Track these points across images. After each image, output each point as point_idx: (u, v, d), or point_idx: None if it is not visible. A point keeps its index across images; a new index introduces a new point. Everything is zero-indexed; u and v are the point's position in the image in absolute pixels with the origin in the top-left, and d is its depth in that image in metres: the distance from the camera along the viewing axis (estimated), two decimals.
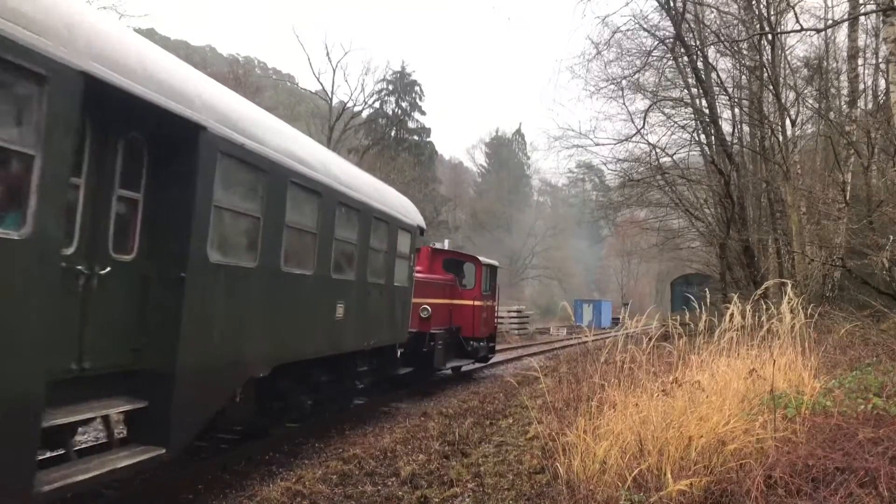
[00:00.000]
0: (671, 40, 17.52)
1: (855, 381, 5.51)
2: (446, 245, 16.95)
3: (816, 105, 16.99)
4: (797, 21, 13.47)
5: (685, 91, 19.88)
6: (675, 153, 21.46)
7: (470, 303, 15.06)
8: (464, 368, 15.99)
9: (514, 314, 34.39)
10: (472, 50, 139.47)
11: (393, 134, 52.13)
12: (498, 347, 25.07)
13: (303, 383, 7.97)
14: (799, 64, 18.21)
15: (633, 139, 20.86)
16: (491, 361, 18.17)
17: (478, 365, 16.89)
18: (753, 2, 16.17)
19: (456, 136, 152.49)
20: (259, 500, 5.81)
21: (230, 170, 5.67)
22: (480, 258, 15.93)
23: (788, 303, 6.84)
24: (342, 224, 8.21)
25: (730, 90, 19.79)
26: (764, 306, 7.06)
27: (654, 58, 18.46)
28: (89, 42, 4.19)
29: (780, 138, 15.82)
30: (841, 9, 18.00)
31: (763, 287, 7.71)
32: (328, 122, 41.39)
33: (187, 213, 5.14)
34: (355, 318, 8.71)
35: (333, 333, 8.15)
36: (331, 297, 7.99)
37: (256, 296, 6.21)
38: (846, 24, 15.53)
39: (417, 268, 13.70)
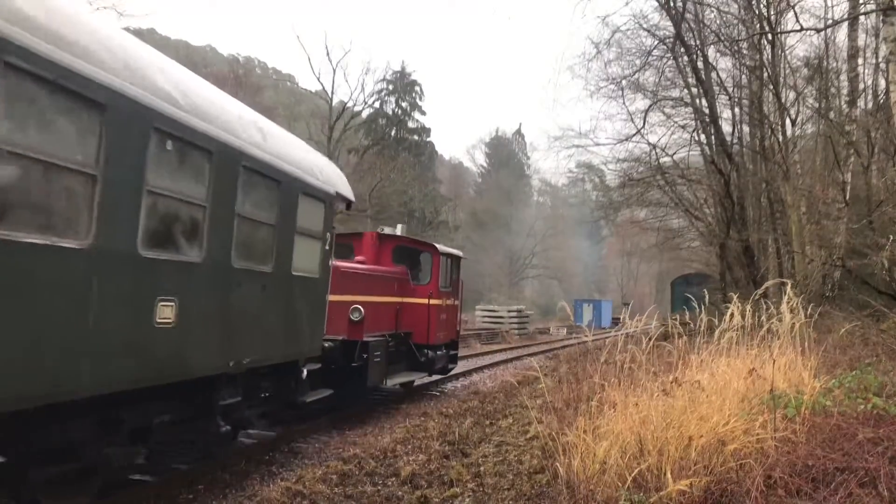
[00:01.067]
0: (671, 40, 17.59)
1: (855, 381, 5.51)
2: (399, 231, 13.44)
3: (816, 105, 17.02)
4: (797, 21, 13.59)
5: (685, 91, 19.96)
6: (675, 153, 21.58)
7: (424, 301, 12.18)
8: (417, 383, 13.03)
9: (514, 314, 34.47)
10: (473, 50, 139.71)
11: (393, 134, 52.28)
12: (498, 347, 25.15)
13: (114, 430, 5.15)
14: (799, 64, 18.27)
15: (633, 139, 21.00)
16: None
17: (435, 378, 13.74)
18: (753, 1, 16.21)
19: (456, 136, 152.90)
20: (259, 500, 5.81)
21: None
22: (438, 246, 13.12)
23: (788, 303, 6.84)
24: (170, 169, 5.10)
25: (730, 90, 19.88)
26: (764, 306, 7.06)
27: (654, 57, 18.61)
28: None
29: (780, 138, 15.85)
30: (841, 8, 18.04)
31: (763, 287, 7.71)
32: (328, 122, 41.51)
33: None
34: (204, 323, 5.71)
35: (152, 350, 5.01)
36: (141, 290, 4.86)
37: None
38: (846, 23, 15.54)
39: (359, 257, 11.71)
